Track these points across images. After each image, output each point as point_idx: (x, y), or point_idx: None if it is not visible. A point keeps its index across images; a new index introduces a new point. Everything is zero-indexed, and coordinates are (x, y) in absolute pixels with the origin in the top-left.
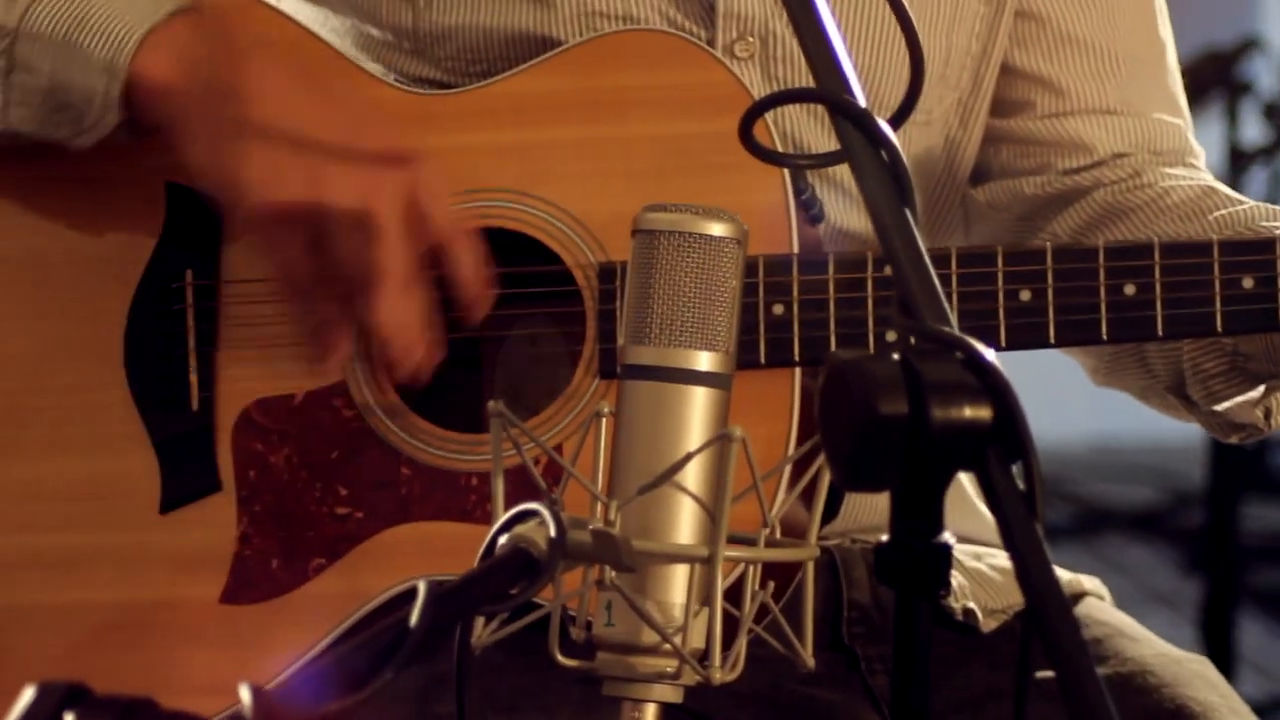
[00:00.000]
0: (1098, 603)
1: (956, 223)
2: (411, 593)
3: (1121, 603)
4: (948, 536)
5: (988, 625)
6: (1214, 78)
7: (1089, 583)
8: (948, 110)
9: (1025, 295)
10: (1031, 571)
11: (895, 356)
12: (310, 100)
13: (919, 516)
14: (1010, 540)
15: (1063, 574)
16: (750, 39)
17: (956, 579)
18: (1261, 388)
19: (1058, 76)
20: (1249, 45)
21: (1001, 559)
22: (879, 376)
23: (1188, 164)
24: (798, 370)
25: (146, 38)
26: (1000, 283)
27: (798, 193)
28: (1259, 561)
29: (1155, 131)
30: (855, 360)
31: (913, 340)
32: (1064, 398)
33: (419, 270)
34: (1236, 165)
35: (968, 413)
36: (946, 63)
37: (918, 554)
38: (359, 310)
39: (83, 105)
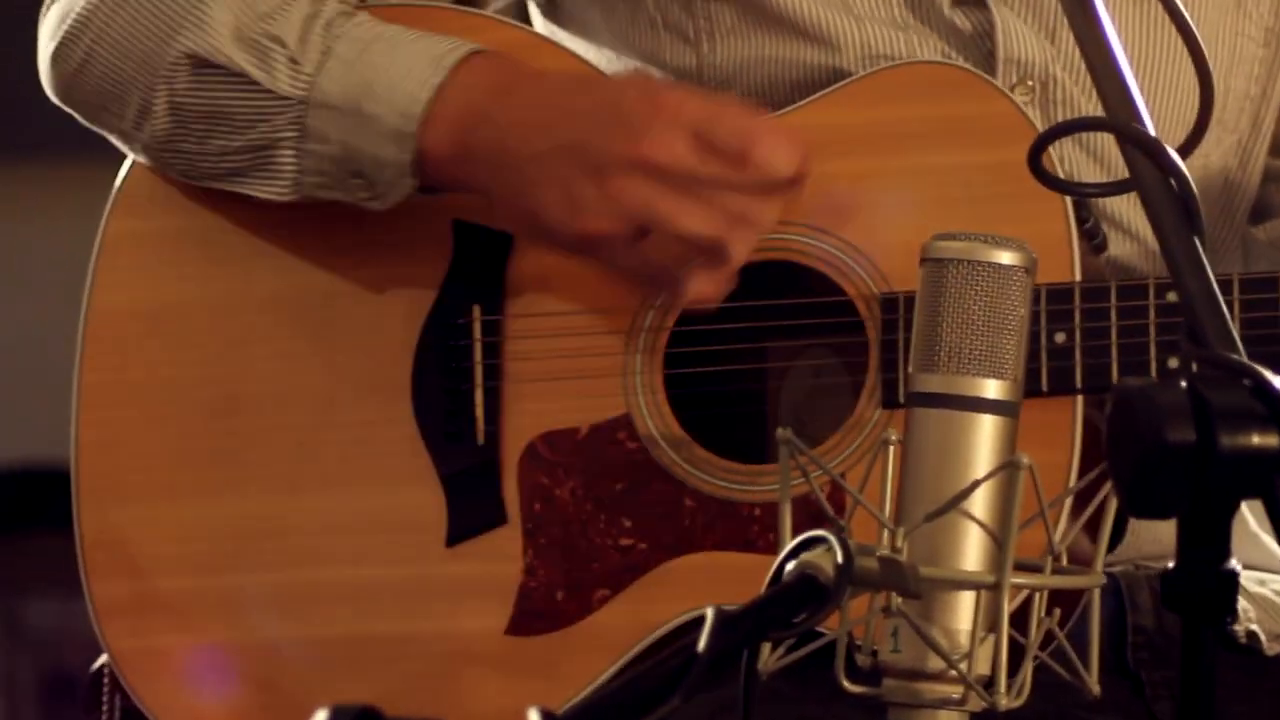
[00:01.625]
0: None
1: (1235, 263)
2: (696, 622)
3: None
4: (1234, 563)
5: (1272, 648)
6: None
7: None
8: (1226, 153)
9: None
10: None
11: (1183, 384)
12: (573, 109)
13: (1206, 543)
14: None
15: None
16: (1030, 83)
17: (1240, 602)
18: None
19: None
20: None
21: None
22: (1167, 404)
23: None
24: (1079, 399)
25: (433, 102)
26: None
27: (1080, 222)
28: None
29: None
30: (1143, 388)
31: (1198, 368)
32: None
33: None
34: None
35: (1256, 440)
36: (1224, 106)
37: (1205, 580)
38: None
39: (375, 173)
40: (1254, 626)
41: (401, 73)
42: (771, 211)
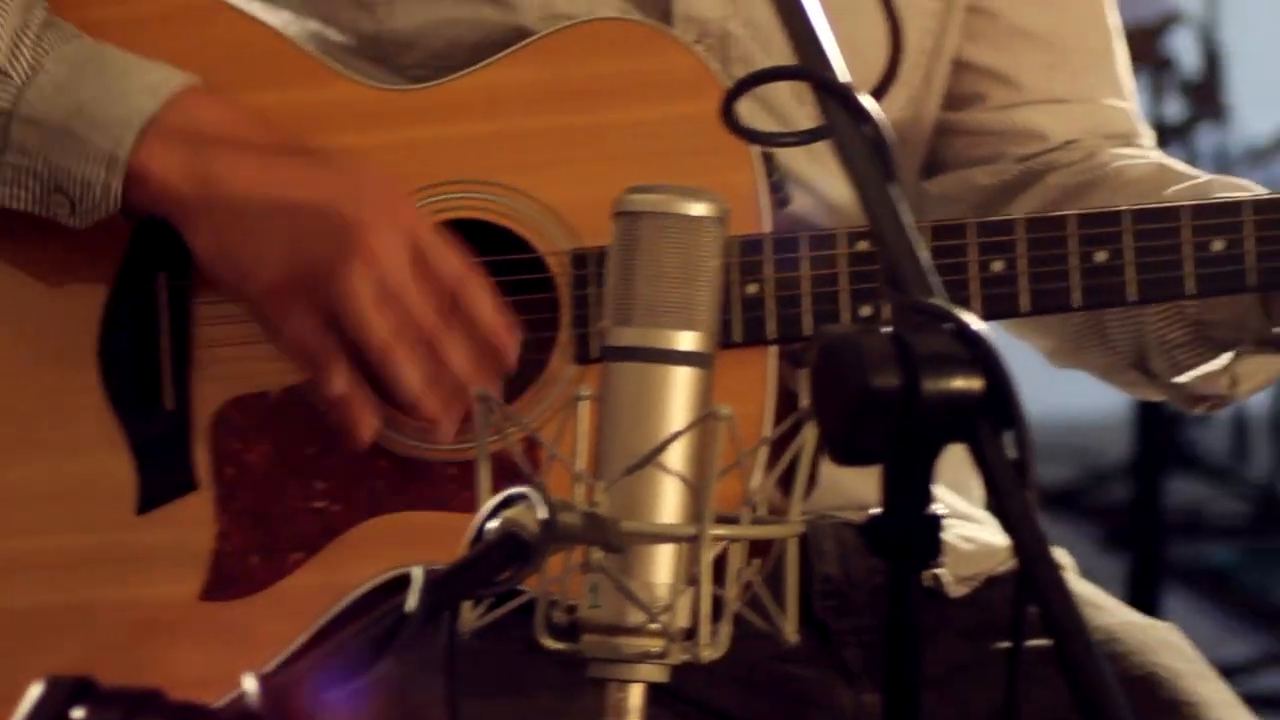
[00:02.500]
0: (1064, 574)
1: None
2: (392, 583)
3: None
4: (939, 507)
5: (956, 591)
6: (1137, 54)
7: (1056, 554)
8: (899, 108)
9: (998, 266)
10: (1024, 538)
11: (886, 329)
12: (283, 166)
13: (910, 488)
14: (1003, 509)
15: None
16: (709, 40)
17: None
18: (1227, 356)
19: (1010, 69)
20: (1170, 21)
21: (968, 529)
22: (871, 350)
23: (1137, 145)
24: (773, 349)
25: (145, 130)
26: (973, 254)
27: (767, 175)
28: (1180, 535)
29: (1105, 116)
30: (847, 334)
31: (900, 313)
32: None
33: (440, 322)
34: (1159, 141)
35: (959, 384)
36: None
37: (910, 525)
38: (378, 369)
39: (80, 193)
40: (938, 570)
41: (114, 97)
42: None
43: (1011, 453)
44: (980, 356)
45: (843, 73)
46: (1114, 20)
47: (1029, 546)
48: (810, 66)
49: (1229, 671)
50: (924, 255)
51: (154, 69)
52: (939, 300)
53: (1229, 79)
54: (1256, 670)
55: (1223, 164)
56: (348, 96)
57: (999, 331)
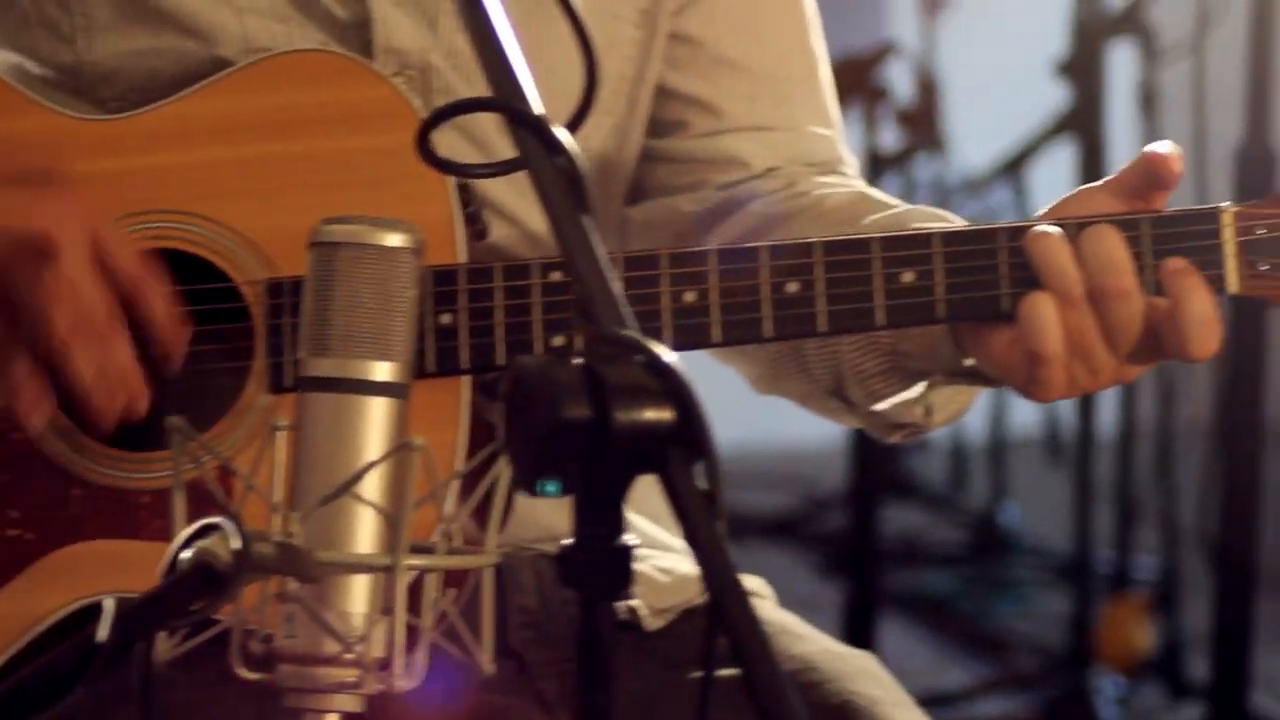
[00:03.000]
0: (761, 602)
1: (613, 242)
2: (85, 612)
3: None
4: (630, 538)
5: (652, 624)
6: (852, 85)
7: (753, 583)
8: (604, 135)
9: (690, 297)
10: (714, 569)
11: (578, 361)
12: None
13: (602, 519)
14: (694, 539)
15: None
16: (410, 72)
17: None
18: (921, 385)
19: (712, 97)
20: (885, 51)
21: (667, 560)
22: (562, 381)
23: (840, 173)
24: (467, 379)
25: None
26: (665, 285)
27: (464, 205)
28: (899, 563)
29: (808, 144)
30: (539, 365)
31: (592, 344)
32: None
33: (114, 315)
34: (875, 171)
35: (650, 415)
36: (601, 88)
37: (601, 556)
38: (56, 362)
39: None
40: (635, 602)
41: None
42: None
43: (703, 484)
44: (671, 388)
45: (537, 104)
46: (818, 48)
47: (718, 577)
48: (504, 98)
49: (946, 699)
50: (616, 286)
51: None
52: (631, 332)
53: (946, 110)
54: (974, 697)
55: (940, 194)
56: (44, 126)
57: (705, 359)
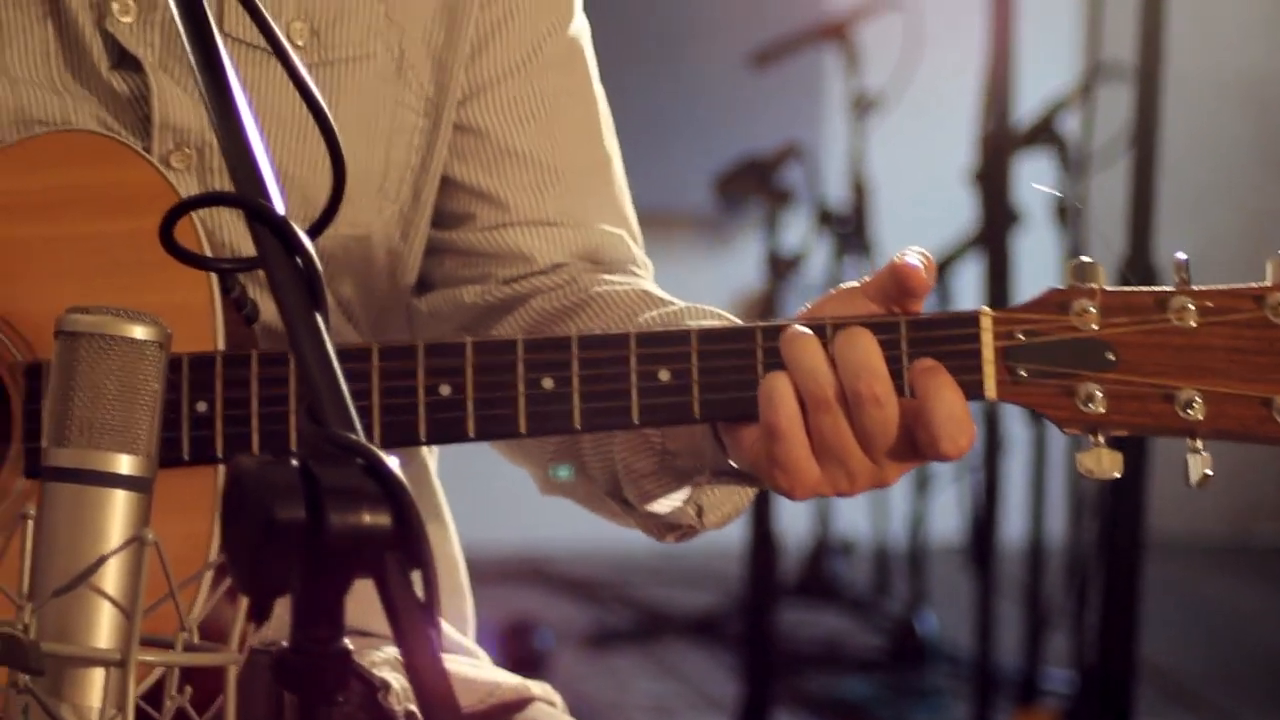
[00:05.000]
0: (547, 709)
1: (401, 332)
2: None
3: (676, 707)
4: (346, 641)
5: None
6: (754, 185)
7: (538, 688)
8: (388, 223)
9: (445, 390)
10: (425, 681)
11: (295, 462)
12: None
13: (320, 622)
14: (405, 647)
15: (510, 679)
16: (187, 150)
17: (399, 681)
18: (690, 487)
19: (498, 190)
20: (788, 153)
21: (455, 663)
22: (277, 481)
23: (630, 272)
24: (220, 468)
25: None
26: (421, 378)
27: (225, 291)
28: (816, 667)
29: (596, 242)
30: (254, 465)
31: (318, 446)
32: None
33: None
34: (776, 273)
35: (366, 519)
36: (385, 175)
37: (319, 659)
38: None
39: None
40: (413, 706)
41: None
42: None
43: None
44: (389, 493)
45: (277, 201)
46: (610, 144)
47: (431, 687)
48: (244, 193)
49: None
50: (344, 387)
51: None
52: (352, 434)
53: (873, 212)
54: None
55: None
56: None
57: (494, 456)
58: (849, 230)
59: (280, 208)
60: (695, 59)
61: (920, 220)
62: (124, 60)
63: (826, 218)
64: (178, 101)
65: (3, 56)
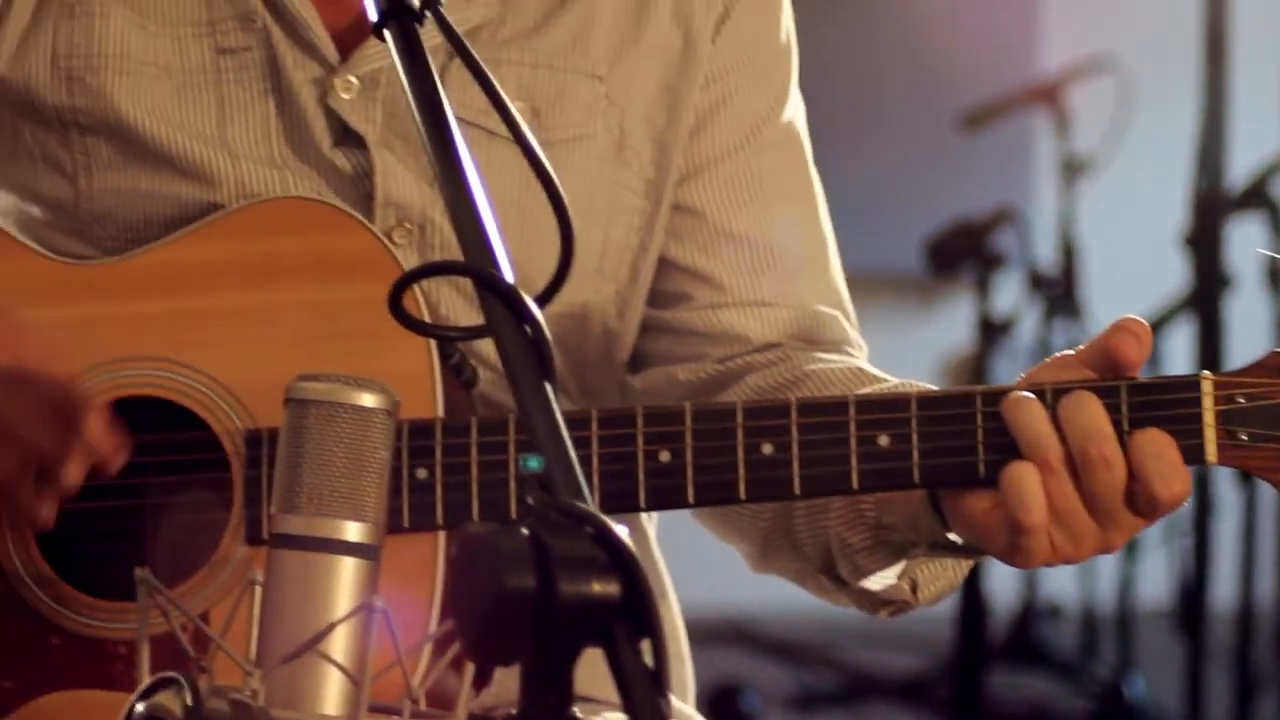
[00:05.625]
0: None
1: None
2: None
3: None
4: (576, 710)
5: None
6: (966, 250)
7: None
8: (605, 301)
9: (665, 456)
10: None
11: (525, 530)
12: None
13: (548, 690)
14: (635, 717)
15: None
16: (408, 225)
17: None
18: (905, 561)
19: (714, 270)
20: (1001, 217)
21: None
22: (507, 550)
23: (844, 351)
24: (441, 535)
25: None
26: (640, 443)
27: (445, 358)
28: None
29: (811, 322)
30: (484, 533)
31: (548, 515)
32: None
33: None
34: (988, 337)
35: (595, 588)
36: (603, 256)
37: None
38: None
39: None
40: None
41: None
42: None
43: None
44: (618, 562)
45: (508, 271)
46: (825, 225)
47: None
48: (474, 263)
49: None
50: (573, 455)
51: None
52: (582, 503)
53: (1083, 275)
54: None
55: None
56: (28, 268)
57: (705, 532)
58: (1058, 293)
59: (509, 276)
60: (905, 121)
61: (1130, 283)
62: (346, 137)
63: (1036, 281)
64: (399, 178)
65: (225, 132)
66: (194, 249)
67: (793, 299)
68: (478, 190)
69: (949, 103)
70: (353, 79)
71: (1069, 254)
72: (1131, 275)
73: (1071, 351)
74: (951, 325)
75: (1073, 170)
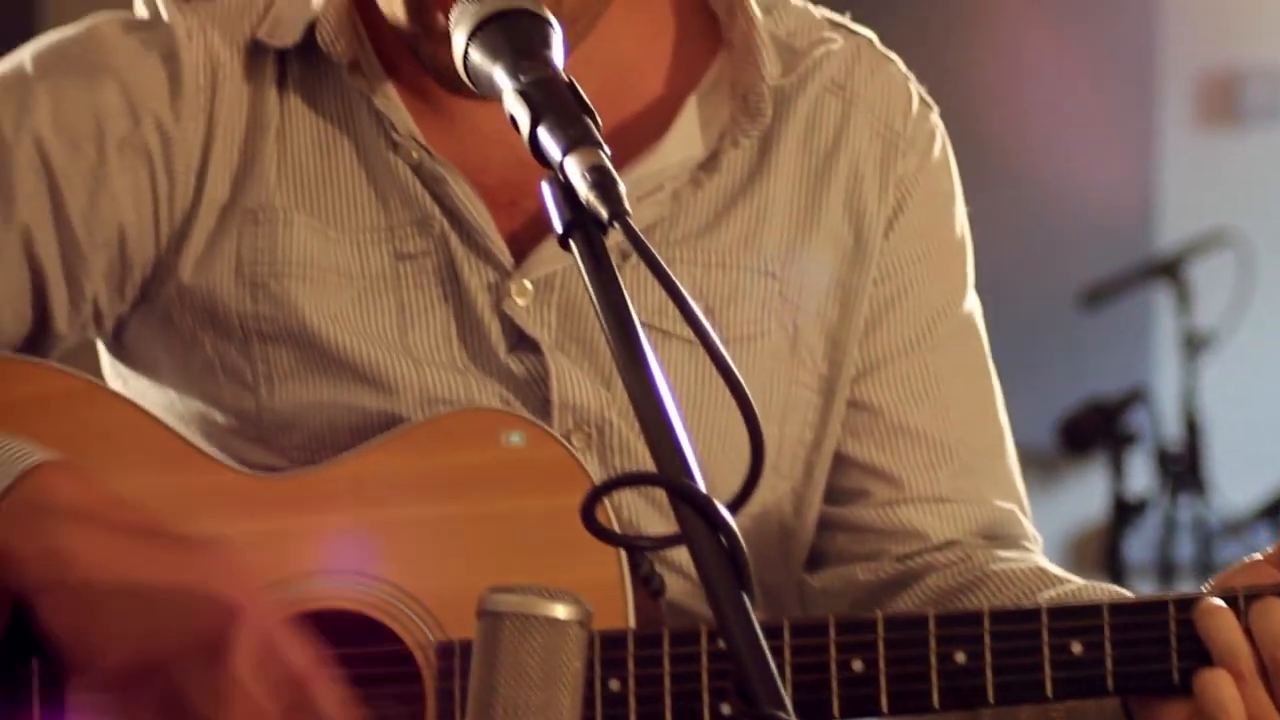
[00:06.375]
0: None
1: (792, 608)
2: None
3: None
4: None
5: None
6: (1099, 430)
7: None
8: (781, 499)
9: (858, 665)
10: None
11: None
12: (139, 548)
13: None
14: None
15: None
16: (586, 429)
17: None
18: None
19: (892, 466)
20: (1134, 397)
21: None
22: None
23: (1022, 547)
24: None
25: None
26: (833, 653)
27: (634, 568)
28: None
29: (990, 518)
30: None
31: None
32: None
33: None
34: (1123, 517)
35: None
36: (779, 453)
37: None
38: None
39: None
40: None
41: None
42: None
43: None
44: None
45: (700, 478)
46: (1002, 420)
47: None
48: (667, 473)
49: None
50: (773, 665)
51: (13, 445)
52: (784, 713)
53: (1208, 451)
54: None
55: (1201, 536)
56: (218, 483)
57: None
58: (1182, 469)
59: (701, 486)
60: (1025, 299)
61: (1255, 458)
62: (521, 342)
63: (1161, 457)
64: (575, 382)
65: (406, 337)
66: (382, 460)
67: (971, 494)
68: (666, 396)
69: (1069, 279)
70: (527, 284)
71: (1192, 429)
72: (1256, 450)
73: (1259, 556)
74: (1081, 501)
75: (1194, 345)
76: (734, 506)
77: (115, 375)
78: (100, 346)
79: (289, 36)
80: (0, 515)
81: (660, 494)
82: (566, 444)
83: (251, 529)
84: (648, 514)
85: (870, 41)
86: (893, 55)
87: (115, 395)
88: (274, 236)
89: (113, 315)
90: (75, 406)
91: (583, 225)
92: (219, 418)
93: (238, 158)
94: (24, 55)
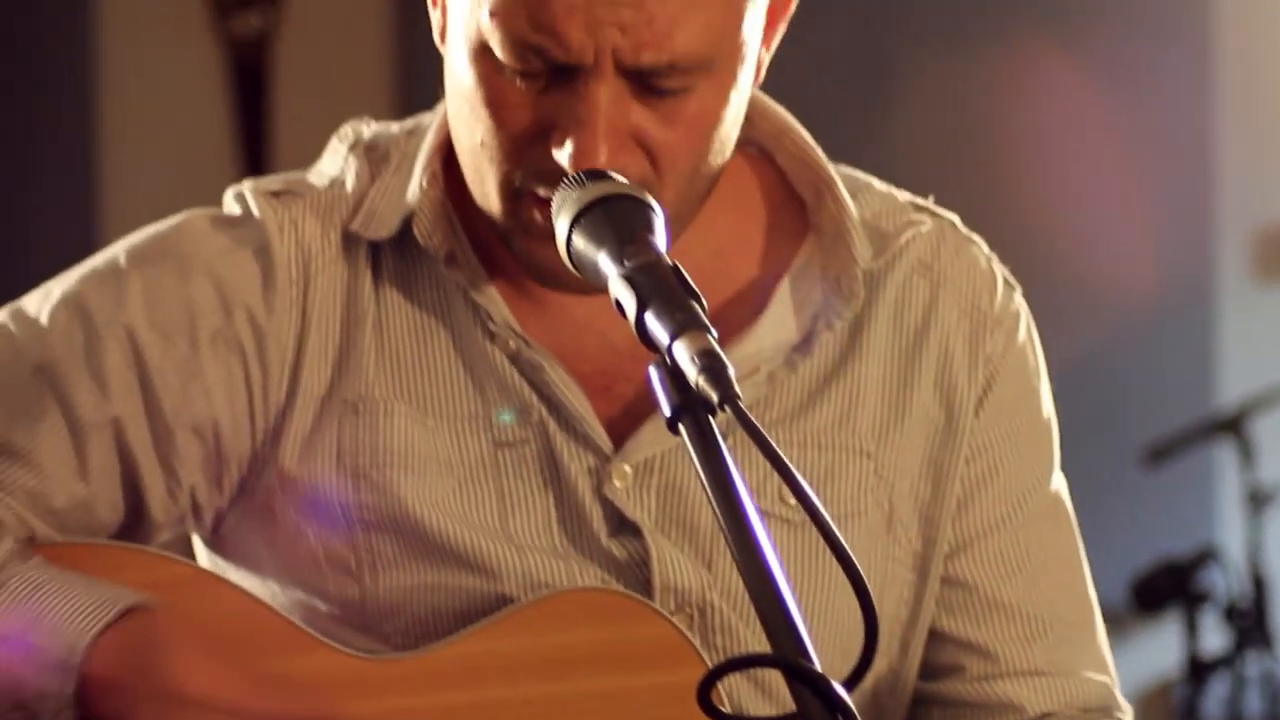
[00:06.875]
0: None
1: None
2: None
3: None
4: None
5: None
6: (1172, 589)
7: None
8: (878, 677)
9: None
10: None
11: None
12: (244, 687)
13: None
14: None
15: None
16: (688, 610)
17: None
18: None
19: (987, 641)
20: (1206, 556)
21: None
22: None
23: (1114, 718)
24: None
25: (98, 639)
26: None
27: None
28: None
29: (1085, 691)
30: None
31: None
32: None
33: None
34: (1197, 675)
35: None
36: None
37: None
38: None
39: (37, 704)
40: None
41: (72, 610)
42: None
43: None
44: None
45: (814, 658)
46: (1091, 594)
47: None
48: (783, 653)
49: None
50: None
51: (110, 587)
52: None
53: (1274, 607)
54: None
55: (1270, 692)
56: (328, 666)
57: None
58: (1248, 624)
59: (816, 664)
60: (1087, 456)
61: None
62: (623, 526)
63: (1228, 612)
64: (676, 564)
65: (508, 524)
66: (491, 641)
67: (1064, 666)
68: (780, 577)
69: (1131, 436)
70: (627, 468)
71: (1259, 585)
72: None
73: None
74: (1154, 659)
75: (1259, 501)
76: (849, 685)
77: (213, 569)
78: (196, 543)
79: (384, 229)
80: (102, 645)
81: (765, 675)
82: (675, 622)
83: (367, 710)
84: (750, 695)
85: (953, 223)
86: (975, 237)
87: (224, 581)
88: (375, 428)
89: (211, 508)
90: (186, 592)
91: (691, 408)
92: (321, 606)
93: (334, 349)
94: (118, 249)
